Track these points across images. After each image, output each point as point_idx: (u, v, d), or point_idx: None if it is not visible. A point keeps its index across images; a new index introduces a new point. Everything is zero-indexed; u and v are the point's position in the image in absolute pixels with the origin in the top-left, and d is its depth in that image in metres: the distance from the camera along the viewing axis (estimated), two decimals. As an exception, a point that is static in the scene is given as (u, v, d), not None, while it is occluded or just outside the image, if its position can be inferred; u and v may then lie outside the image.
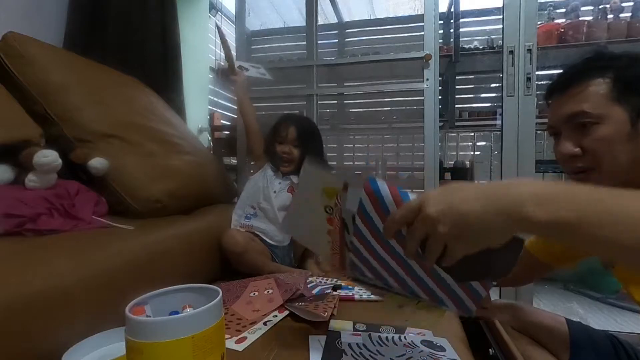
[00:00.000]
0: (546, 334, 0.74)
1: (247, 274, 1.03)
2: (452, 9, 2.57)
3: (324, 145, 1.36)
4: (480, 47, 2.55)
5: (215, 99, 2.58)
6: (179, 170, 1.13)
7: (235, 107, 1.83)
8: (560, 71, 0.67)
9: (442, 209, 0.37)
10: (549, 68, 2.55)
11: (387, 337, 0.66)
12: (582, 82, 0.60)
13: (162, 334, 0.41)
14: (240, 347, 0.64)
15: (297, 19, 2.19)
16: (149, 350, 0.41)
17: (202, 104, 2.21)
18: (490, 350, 0.57)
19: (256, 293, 0.86)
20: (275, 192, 1.21)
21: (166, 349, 0.41)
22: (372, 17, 2.64)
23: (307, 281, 0.96)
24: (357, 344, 0.63)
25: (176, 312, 0.47)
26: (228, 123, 2.55)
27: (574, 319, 0.77)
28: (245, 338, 0.67)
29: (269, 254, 1.16)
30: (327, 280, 0.98)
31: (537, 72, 1.43)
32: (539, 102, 1.48)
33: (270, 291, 0.85)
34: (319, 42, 1.76)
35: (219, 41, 2.66)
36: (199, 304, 0.45)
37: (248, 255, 1.05)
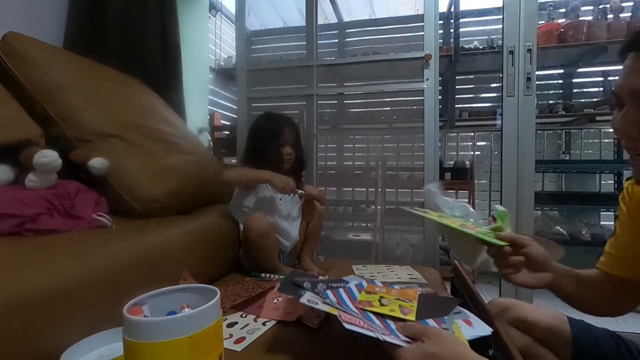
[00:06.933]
0: (547, 332, 0.72)
1: (257, 262, 1.08)
2: (452, 9, 2.56)
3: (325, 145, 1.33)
4: (480, 47, 2.54)
5: (215, 99, 2.58)
6: (179, 170, 1.13)
7: (236, 107, 1.84)
8: None
9: None
10: (549, 68, 2.56)
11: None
12: None
13: (160, 334, 0.41)
14: (239, 348, 0.64)
15: (297, 19, 2.19)
16: (147, 351, 0.41)
17: (202, 104, 2.21)
18: (489, 350, 0.57)
19: (280, 299, 0.85)
20: (280, 199, 1.19)
21: (164, 349, 0.41)
22: (372, 17, 2.64)
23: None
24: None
25: (174, 312, 0.47)
26: (228, 123, 2.55)
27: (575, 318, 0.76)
28: (244, 338, 0.67)
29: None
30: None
31: (537, 72, 1.43)
32: (539, 102, 1.47)
33: (280, 299, 0.85)
34: (319, 42, 1.76)
35: (219, 41, 2.68)
36: (197, 304, 0.45)
37: (268, 240, 1.07)
